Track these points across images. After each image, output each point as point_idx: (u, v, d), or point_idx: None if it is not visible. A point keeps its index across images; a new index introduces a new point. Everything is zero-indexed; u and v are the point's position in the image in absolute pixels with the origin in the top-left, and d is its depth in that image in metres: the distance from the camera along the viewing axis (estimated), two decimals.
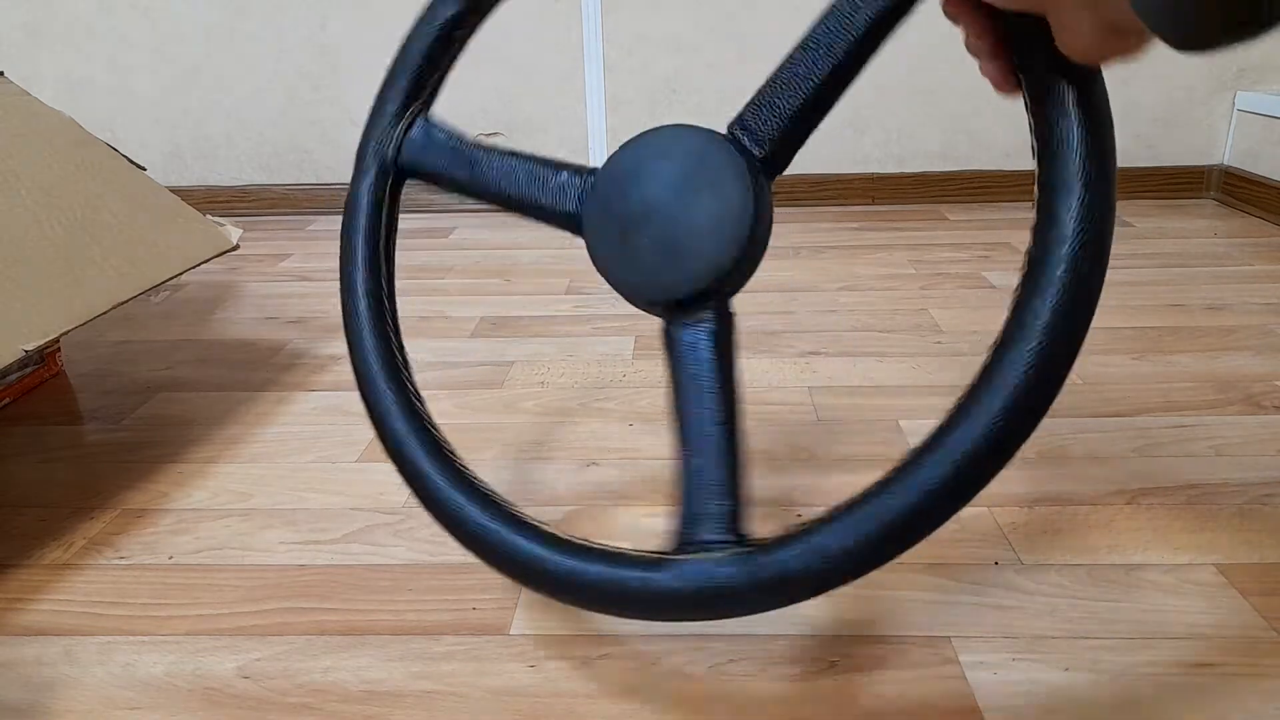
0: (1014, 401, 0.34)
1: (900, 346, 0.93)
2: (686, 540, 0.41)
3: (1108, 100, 0.35)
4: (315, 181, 1.67)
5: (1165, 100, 1.51)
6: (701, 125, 0.43)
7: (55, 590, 0.59)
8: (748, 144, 0.42)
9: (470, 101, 1.60)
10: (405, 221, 1.60)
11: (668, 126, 0.43)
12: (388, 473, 0.72)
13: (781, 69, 0.41)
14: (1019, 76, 0.36)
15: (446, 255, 1.38)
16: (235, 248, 0.82)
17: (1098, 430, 0.74)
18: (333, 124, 1.64)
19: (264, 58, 1.60)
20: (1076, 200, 0.35)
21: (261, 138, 1.65)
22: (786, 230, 1.42)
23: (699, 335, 0.43)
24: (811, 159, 1.56)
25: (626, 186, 0.44)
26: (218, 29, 1.58)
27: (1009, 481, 0.66)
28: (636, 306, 0.44)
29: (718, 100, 1.56)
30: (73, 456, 0.77)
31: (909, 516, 0.35)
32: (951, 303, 1.06)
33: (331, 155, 1.67)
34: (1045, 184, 0.36)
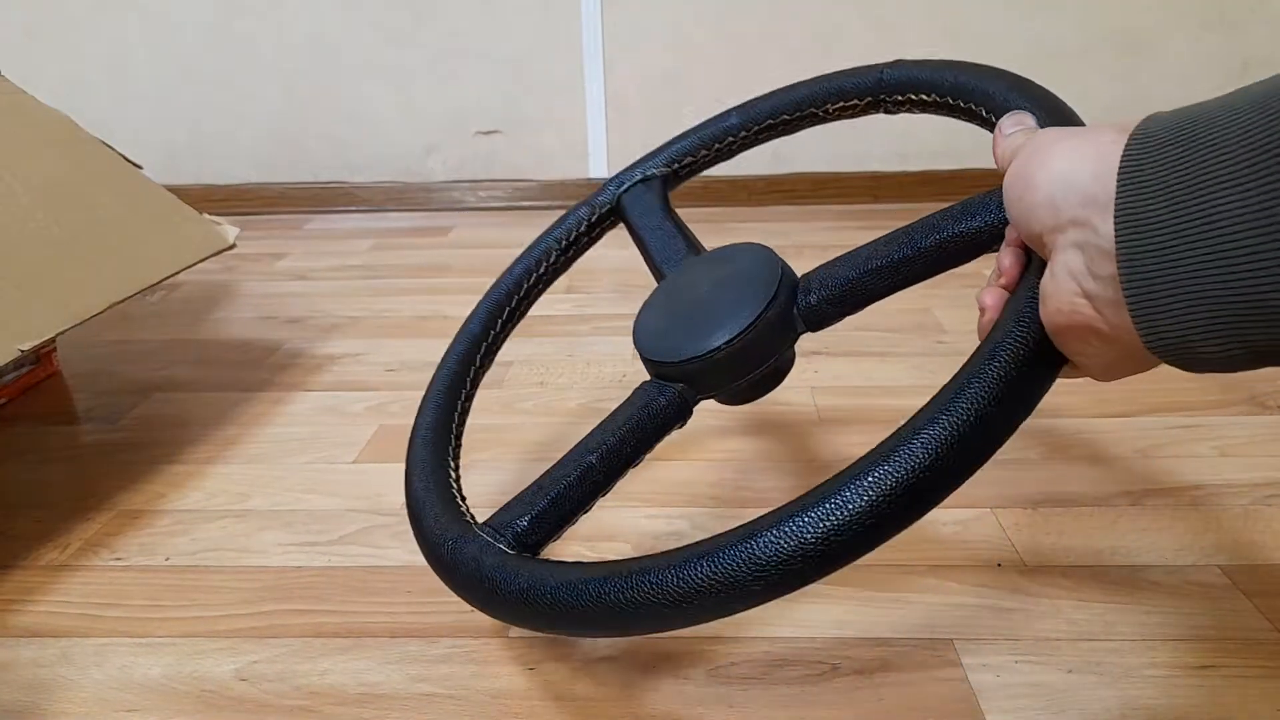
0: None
1: (903, 347, 0.92)
2: (493, 523, 0.43)
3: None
4: (312, 180, 1.67)
5: (1167, 97, 1.50)
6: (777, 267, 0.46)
7: (52, 592, 0.58)
8: (804, 293, 0.45)
9: (470, 100, 1.59)
10: (404, 220, 1.61)
11: (745, 244, 0.48)
12: (385, 474, 0.72)
13: (867, 249, 0.44)
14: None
15: (445, 254, 1.38)
16: (232, 247, 0.82)
17: (1101, 431, 0.74)
18: (330, 122, 1.64)
19: (261, 56, 1.60)
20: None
21: (258, 136, 1.65)
22: (788, 229, 1.42)
23: (658, 398, 0.44)
24: (813, 157, 1.55)
25: (688, 281, 0.49)
26: (214, 27, 1.58)
27: (1011, 483, 0.66)
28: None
29: (718, 99, 1.56)
30: (69, 457, 0.76)
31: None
32: (955, 302, 1.06)
33: (329, 154, 1.67)
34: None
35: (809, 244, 1.32)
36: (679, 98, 1.58)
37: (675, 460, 0.72)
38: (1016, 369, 0.31)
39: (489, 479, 0.70)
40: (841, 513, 0.31)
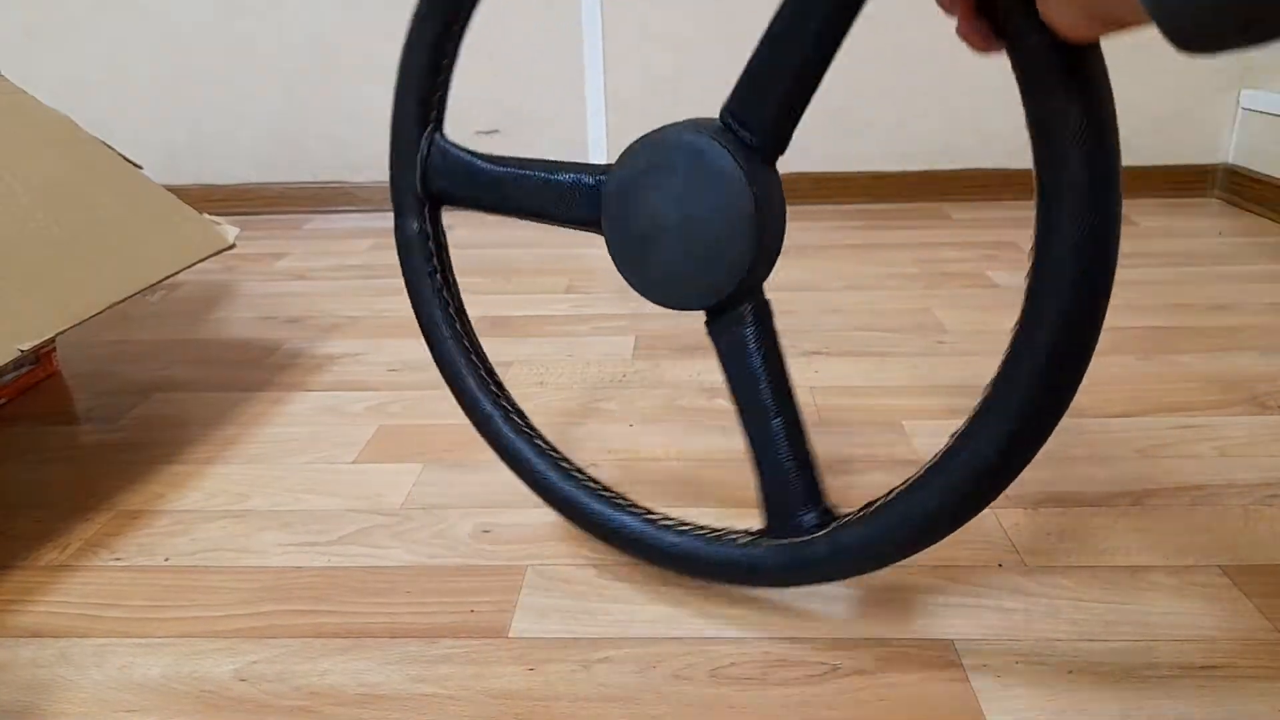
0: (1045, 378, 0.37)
1: (903, 347, 0.92)
2: (782, 525, 0.47)
3: (1106, 76, 0.34)
4: (312, 180, 1.67)
5: (1169, 98, 1.50)
6: (698, 119, 0.43)
7: (51, 592, 0.58)
8: (741, 131, 0.42)
9: (469, 98, 1.59)
10: None
11: (661, 131, 0.44)
12: (385, 474, 0.72)
13: (761, 45, 0.41)
14: (1001, 43, 0.35)
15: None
16: (232, 246, 0.82)
17: (1101, 431, 0.74)
18: (330, 122, 1.63)
19: (261, 56, 1.60)
20: (1077, 209, 0.35)
21: (258, 136, 1.65)
22: (789, 228, 1.42)
23: (743, 335, 0.45)
24: (813, 157, 1.55)
25: (633, 202, 0.45)
26: (214, 27, 1.58)
27: (1012, 483, 0.66)
28: (668, 308, 0.46)
29: (719, 98, 1.55)
30: (68, 457, 0.76)
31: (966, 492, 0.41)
32: (955, 302, 1.06)
33: (328, 153, 1.66)
34: (1043, 186, 0.35)
35: (809, 244, 1.32)
36: (679, 97, 1.58)
37: (675, 460, 0.72)
38: None
39: (489, 479, 0.70)
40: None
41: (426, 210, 0.55)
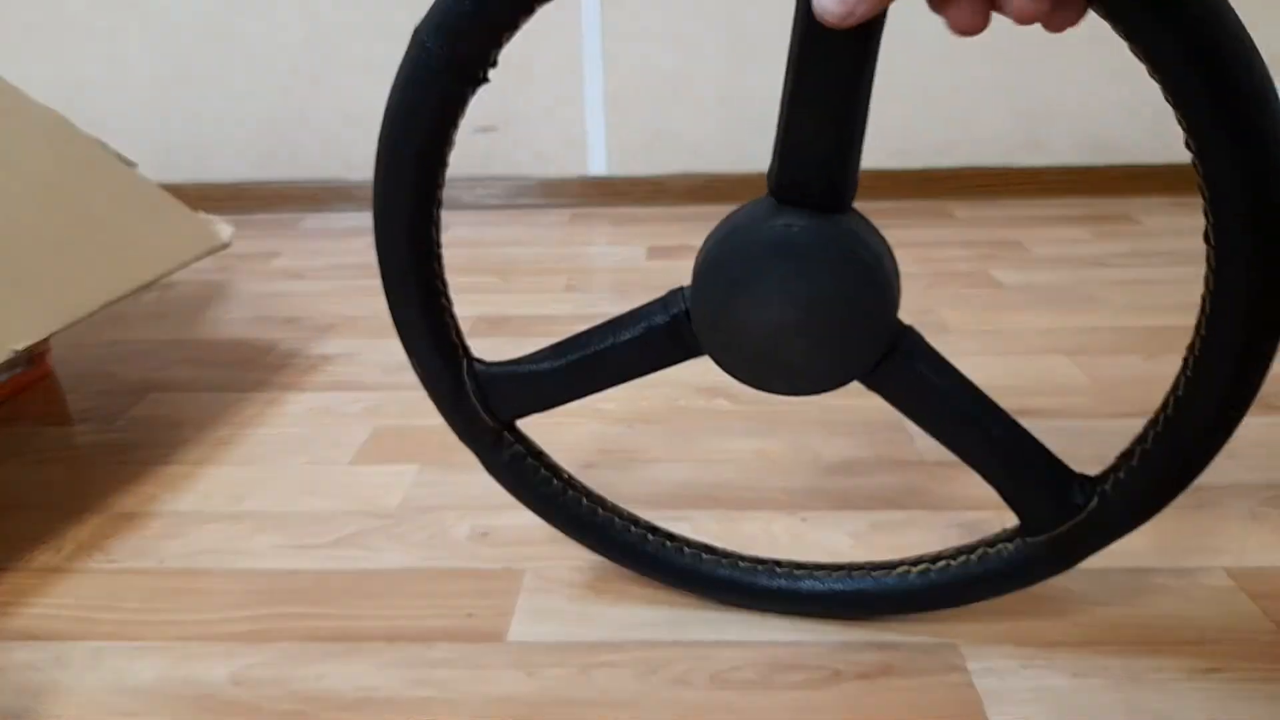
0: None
1: None
2: (1058, 514, 0.45)
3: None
4: (308, 178, 1.66)
5: None
6: (752, 207, 0.40)
7: (45, 594, 0.58)
8: (808, 199, 0.40)
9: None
10: None
11: (723, 238, 0.41)
12: (381, 475, 0.71)
13: (788, 109, 0.38)
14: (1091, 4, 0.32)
15: (443, 253, 1.37)
16: (227, 245, 0.81)
17: (1106, 431, 0.73)
18: (326, 121, 1.63)
19: (256, 54, 1.59)
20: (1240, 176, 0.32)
21: (254, 134, 1.64)
22: None
23: (913, 374, 0.43)
24: None
25: (739, 322, 0.41)
26: (210, 25, 1.57)
27: None
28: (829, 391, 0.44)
29: (719, 97, 1.55)
30: (63, 458, 0.76)
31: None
32: (958, 301, 1.05)
33: (325, 152, 1.66)
34: (1197, 152, 0.33)
35: None
36: (679, 96, 1.57)
37: (675, 460, 0.72)
38: None
39: (486, 481, 0.69)
40: None
41: (505, 434, 0.51)
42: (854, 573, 0.51)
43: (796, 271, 0.39)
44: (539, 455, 0.52)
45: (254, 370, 0.93)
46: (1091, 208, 1.49)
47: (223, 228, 0.82)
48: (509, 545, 0.61)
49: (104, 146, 0.80)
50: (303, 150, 1.65)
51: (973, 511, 0.62)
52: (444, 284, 0.46)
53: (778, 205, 0.40)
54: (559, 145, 1.62)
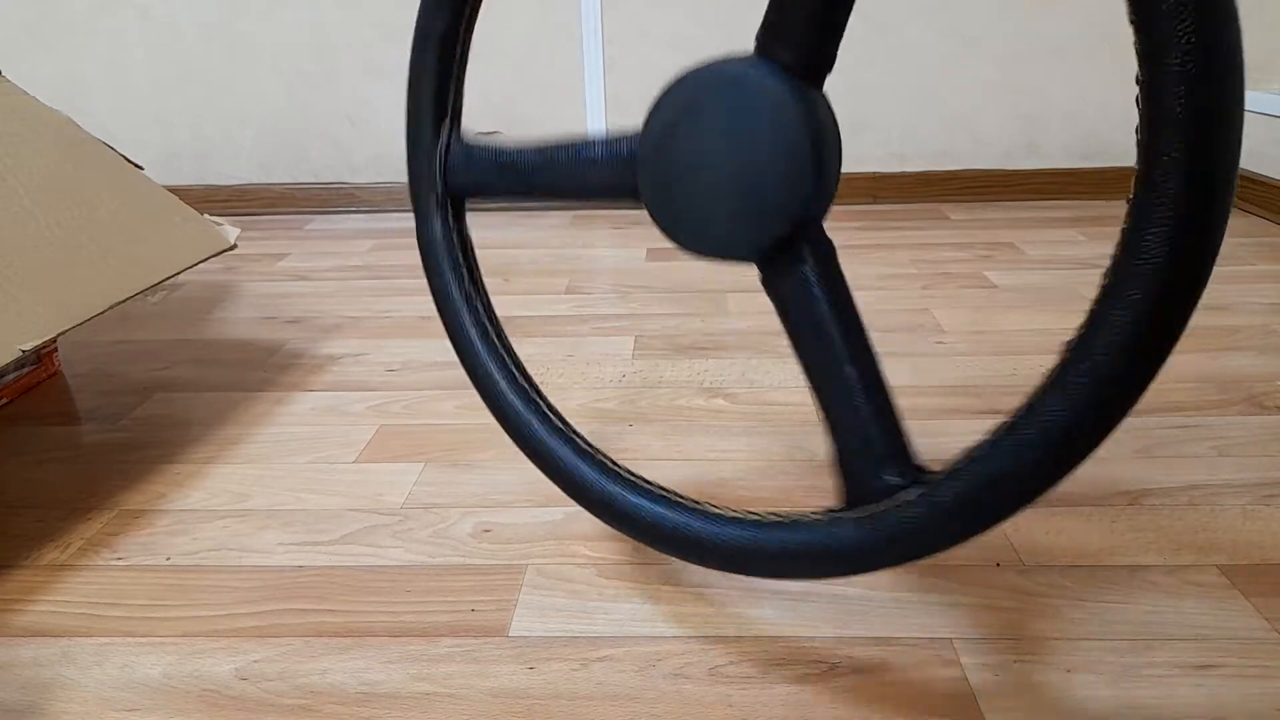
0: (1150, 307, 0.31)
1: (902, 347, 0.92)
2: (862, 490, 0.40)
3: None
4: (313, 180, 1.67)
5: None
6: (731, 53, 0.40)
7: (52, 591, 0.58)
8: (781, 53, 0.38)
9: (468, 98, 1.59)
10: (400, 220, 1.61)
11: (695, 70, 0.40)
12: (386, 473, 0.72)
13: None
14: None
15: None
16: (233, 247, 0.82)
17: None
18: (331, 122, 1.64)
19: (262, 56, 1.60)
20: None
21: (259, 136, 1.65)
22: None
23: (804, 277, 0.40)
24: None
25: (670, 153, 0.41)
26: (215, 28, 1.58)
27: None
28: (722, 262, 0.42)
29: None
30: (70, 457, 0.76)
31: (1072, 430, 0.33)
32: (953, 303, 1.06)
33: (329, 154, 1.67)
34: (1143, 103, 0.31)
35: None
36: None
37: (674, 460, 0.72)
38: None
39: (489, 479, 0.70)
40: None
41: (450, 209, 0.53)
42: (679, 502, 0.47)
43: (739, 112, 0.38)
44: (467, 249, 0.55)
45: (260, 370, 0.94)
46: (1085, 210, 1.49)
47: (228, 230, 0.83)
48: (511, 542, 0.62)
49: (111, 149, 0.81)
50: (308, 153, 1.66)
51: None
52: (466, 51, 0.50)
53: (755, 56, 0.39)
54: None
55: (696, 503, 0.46)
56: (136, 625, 0.55)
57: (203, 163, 1.67)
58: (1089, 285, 1.11)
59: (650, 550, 0.59)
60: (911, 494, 0.37)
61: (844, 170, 1.59)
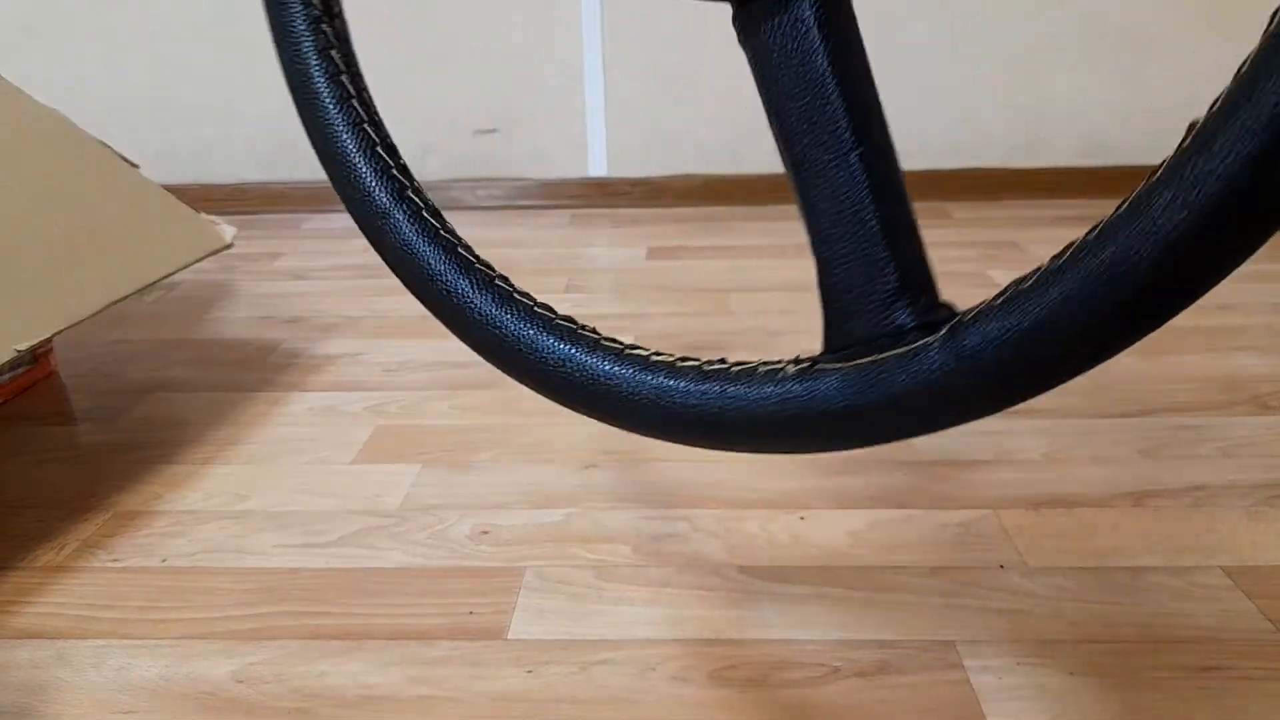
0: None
1: None
2: (863, 332, 0.27)
3: None
4: (310, 179, 1.67)
5: (1169, 96, 1.50)
6: None
7: (48, 593, 0.58)
8: None
9: (468, 98, 1.59)
10: None
11: None
12: (383, 474, 0.72)
13: None
14: None
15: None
16: (229, 246, 0.82)
17: (1103, 432, 0.73)
18: None
19: (258, 55, 1.59)
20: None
21: (256, 135, 1.65)
22: (788, 228, 1.42)
23: (799, 18, 0.27)
24: None
25: None
26: (211, 26, 1.57)
27: (1014, 484, 0.66)
28: None
29: (719, 99, 1.55)
30: (66, 458, 0.76)
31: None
32: (956, 302, 1.06)
33: None
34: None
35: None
36: (679, 98, 1.57)
37: (674, 460, 0.72)
38: None
39: (488, 480, 0.70)
40: None
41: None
42: (606, 344, 0.34)
43: None
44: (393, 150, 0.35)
45: (256, 370, 0.93)
46: (1088, 209, 1.49)
47: (225, 228, 0.82)
48: (509, 544, 0.61)
49: (107, 148, 0.80)
50: (304, 151, 1.64)
51: (971, 510, 0.62)
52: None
53: None
54: (559, 147, 1.63)
55: (614, 341, 0.33)
56: (132, 627, 0.54)
57: (199, 161, 1.67)
58: None
59: (650, 551, 0.59)
60: (934, 335, 0.25)
61: None
